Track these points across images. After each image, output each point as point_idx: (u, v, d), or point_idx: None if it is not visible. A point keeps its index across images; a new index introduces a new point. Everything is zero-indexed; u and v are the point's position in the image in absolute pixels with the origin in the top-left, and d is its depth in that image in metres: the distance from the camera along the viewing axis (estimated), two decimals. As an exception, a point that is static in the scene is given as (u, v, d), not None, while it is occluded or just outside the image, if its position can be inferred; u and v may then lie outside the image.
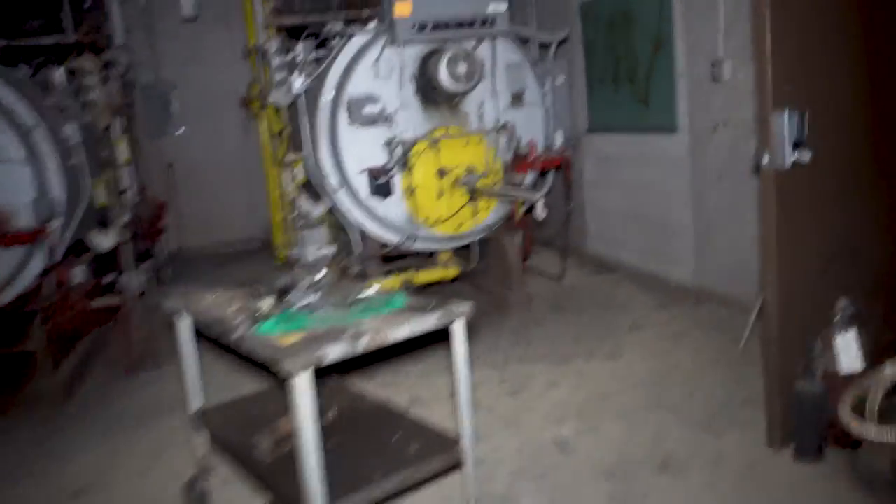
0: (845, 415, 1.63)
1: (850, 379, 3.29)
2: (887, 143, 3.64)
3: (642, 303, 6.00)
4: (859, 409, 1.49)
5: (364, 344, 2.52)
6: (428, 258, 6.03)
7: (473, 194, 5.17)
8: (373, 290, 3.11)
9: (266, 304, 2.99)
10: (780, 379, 3.39)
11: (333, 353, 2.45)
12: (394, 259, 5.92)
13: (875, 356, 3.32)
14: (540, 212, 4.74)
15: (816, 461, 3.35)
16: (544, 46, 5.98)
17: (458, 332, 2.78)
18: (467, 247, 5.85)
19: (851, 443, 3.39)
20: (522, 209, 5.47)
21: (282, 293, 3.11)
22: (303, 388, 2.37)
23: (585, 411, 4.13)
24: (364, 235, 5.65)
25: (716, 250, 5.66)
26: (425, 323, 2.69)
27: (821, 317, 3.36)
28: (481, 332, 5.52)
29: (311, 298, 3.03)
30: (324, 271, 3.43)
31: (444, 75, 4.92)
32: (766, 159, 3.21)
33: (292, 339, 2.60)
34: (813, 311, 3.38)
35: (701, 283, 5.89)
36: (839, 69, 3.40)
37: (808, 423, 3.35)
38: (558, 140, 5.54)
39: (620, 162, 6.78)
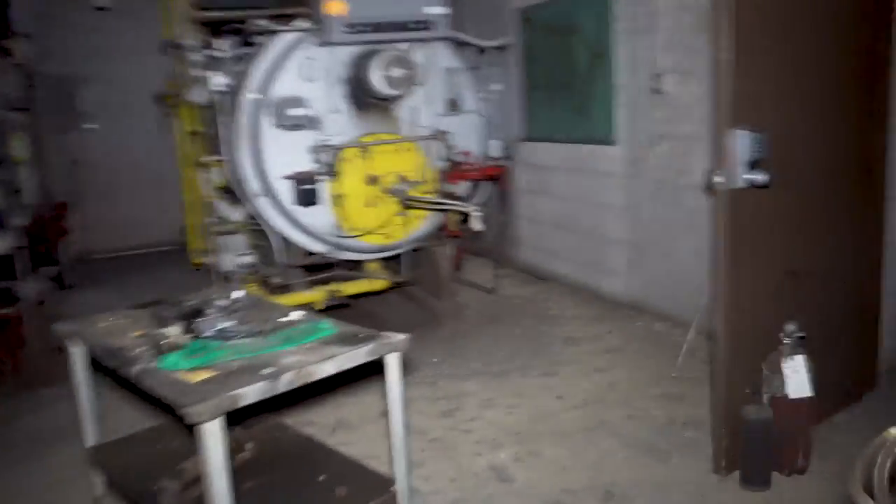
0: (858, 494, 1.45)
1: (799, 403, 3.18)
2: (841, 168, 3.56)
3: (577, 315, 5.86)
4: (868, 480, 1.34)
5: (286, 383, 2.22)
6: (355, 268, 5.72)
7: (404, 204, 4.89)
8: (296, 314, 2.80)
9: (172, 330, 2.64)
10: (726, 404, 3.25)
11: (250, 394, 2.14)
12: (319, 269, 5.59)
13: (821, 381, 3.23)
14: (477, 224, 4.50)
15: (764, 489, 3.23)
16: (481, 52, 5.76)
17: (393, 366, 2.51)
18: (397, 257, 5.58)
19: (798, 470, 3.30)
20: (456, 220, 5.22)
21: (191, 317, 2.76)
22: (213, 435, 2.05)
23: (524, 434, 3.92)
24: (287, 244, 5.30)
25: (650, 264, 5.56)
26: (355, 357, 2.41)
27: (769, 341, 3.24)
28: (411, 344, 5.25)
29: (225, 324, 2.69)
30: (240, 292, 3.10)
31: (377, 78, 4.64)
32: (719, 178, 3.05)
33: (202, 375, 2.27)
34: (761, 336, 3.25)
35: (634, 296, 5.79)
36: (798, 91, 3.29)
37: (756, 449, 3.23)
38: (495, 149, 5.33)
39: (556, 172, 6.64)
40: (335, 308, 5.43)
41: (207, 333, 2.64)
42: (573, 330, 5.50)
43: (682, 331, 5.12)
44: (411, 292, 6.23)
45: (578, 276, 6.51)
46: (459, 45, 5.44)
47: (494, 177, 5.33)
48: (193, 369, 2.33)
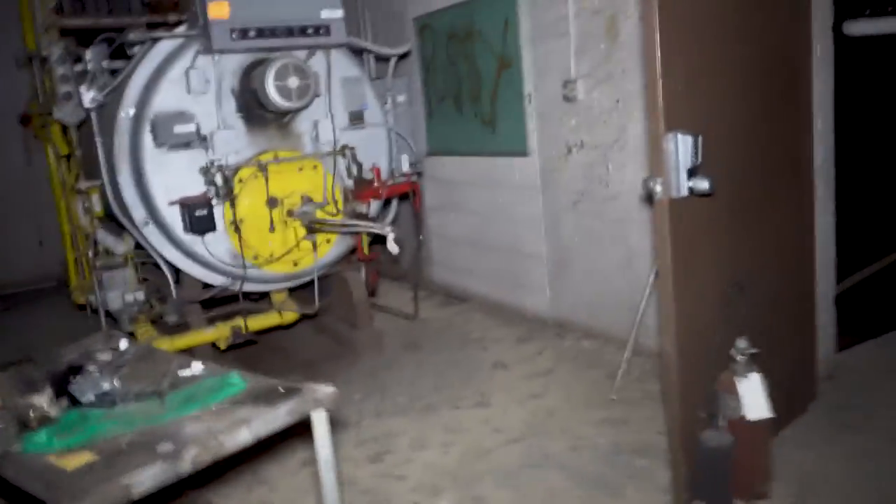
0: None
1: (757, 425, 2.97)
2: (774, 172, 3.41)
3: (501, 337, 5.56)
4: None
5: (190, 461, 1.76)
6: (261, 300, 5.21)
7: (311, 227, 4.45)
8: (198, 367, 2.33)
9: (41, 398, 2.12)
10: (682, 430, 2.99)
11: (143, 481, 1.67)
12: (219, 303, 5.04)
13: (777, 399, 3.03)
14: (393, 246, 4.12)
15: (726, 519, 2.99)
16: (383, 61, 5.40)
17: (321, 424, 2.09)
18: (308, 285, 5.11)
19: (760, 495, 3.08)
20: (368, 243, 4.82)
21: (66, 378, 2.25)
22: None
23: (462, 476, 3.55)
24: (181, 277, 4.74)
25: (573, 280, 5.34)
26: (274, 419, 1.98)
27: (720, 359, 3.01)
28: (328, 380, 4.82)
29: (109, 385, 2.19)
30: (126, 341, 2.59)
31: (272, 90, 4.19)
32: (658, 187, 2.80)
33: (80, 458, 1.78)
34: (714, 354, 3.03)
35: (559, 313, 5.55)
36: (732, 93, 3.11)
37: (717, 478, 2.99)
38: (404, 164, 4.97)
39: (465, 186, 6.35)
40: (241, 346, 4.91)
41: (87, 399, 2.15)
42: (500, 353, 5.19)
43: (613, 348, 4.92)
44: (325, 323, 5.77)
45: (499, 294, 6.23)
46: (359, 53, 5.06)
47: (405, 194, 4.96)
48: (68, 451, 1.83)
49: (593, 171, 4.95)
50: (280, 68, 4.18)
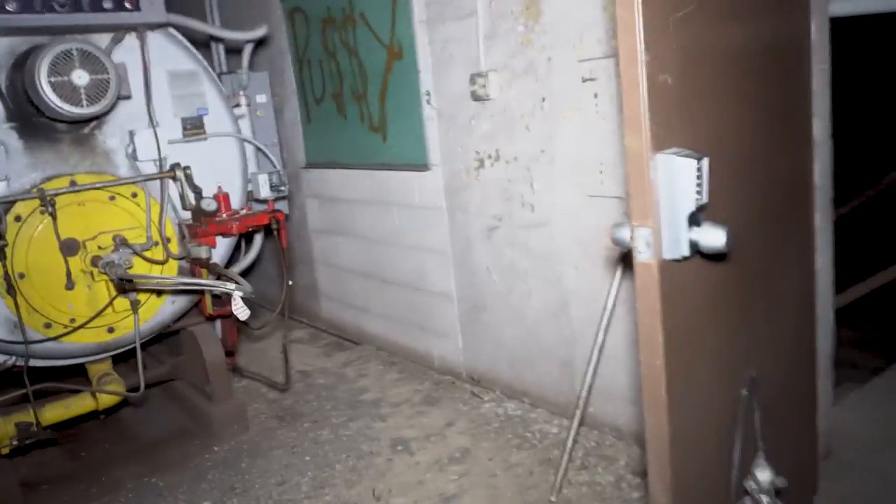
0: None
1: None
2: (785, 211, 2.38)
3: (403, 398, 4.38)
4: None
5: None
6: (72, 373, 3.82)
7: (120, 286, 3.13)
8: None
9: None
10: None
11: None
12: (12, 378, 3.63)
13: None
14: (240, 310, 2.87)
15: None
16: (236, 53, 4.10)
17: None
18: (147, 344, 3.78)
19: None
20: (211, 300, 3.53)
21: None
22: None
23: None
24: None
25: (491, 325, 4.22)
26: None
27: (726, 489, 1.94)
28: (174, 474, 3.55)
29: None
30: None
31: (46, 89, 2.86)
32: (642, 242, 1.70)
33: None
34: (719, 484, 1.95)
35: (474, 365, 4.42)
36: (738, 94, 2.04)
37: None
38: (263, 187, 3.69)
39: (355, 205, 5.13)
40: (35, 446, 3.52)
41: None
42: (401, 424, 4.01)
43: (545, 414, 3.85)
44: (178, 388, 4.44)
45: (400, 337, 5.05)
46: (204, 43, 3.76)
47: (269, 226, 3.69)
48: None
49: (513, 189, 3.84)
50: (58, 57, 2.85)
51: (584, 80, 3.29)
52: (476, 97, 3.87)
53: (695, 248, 1.72)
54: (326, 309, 5.84)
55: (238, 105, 3.87)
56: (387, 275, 5.01)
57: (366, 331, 5.38)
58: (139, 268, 3.34)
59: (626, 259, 2.78)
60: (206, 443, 4.05)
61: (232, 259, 3.86)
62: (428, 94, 4.22)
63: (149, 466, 3.85)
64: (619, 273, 3.04)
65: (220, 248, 3.67)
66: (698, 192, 1.70)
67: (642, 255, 1.71)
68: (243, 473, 3.69)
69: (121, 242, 3.23)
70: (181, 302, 3.69)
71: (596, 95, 3.27)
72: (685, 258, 1.72)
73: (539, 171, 3.66)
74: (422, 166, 4.40)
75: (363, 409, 4.30)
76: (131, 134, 3.35)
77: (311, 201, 5.64)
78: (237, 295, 2.86)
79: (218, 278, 3.23)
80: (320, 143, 5.36)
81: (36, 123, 3.13)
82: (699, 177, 1.69)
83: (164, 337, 4.13)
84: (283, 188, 3.69)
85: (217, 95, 3.65)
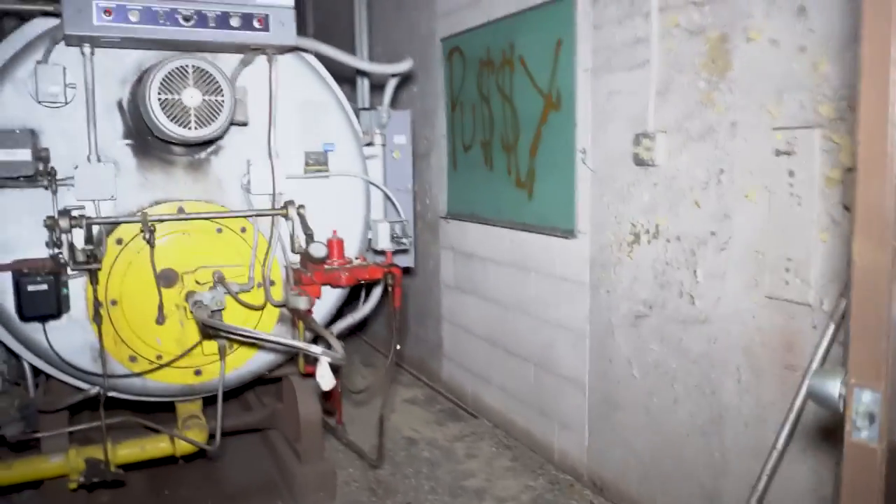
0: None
1: None
2: None
3: (510, 491, 3.81)
4: None
5: None
6: (160, 406, 3.58)
7: (204, 330, 2.81)
8: None
9: None
10: None
11: None
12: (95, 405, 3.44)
13: None
14: (324, 378, 2.46)
15: None
16: (378, 88, 3.79)
17: None
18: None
19: None
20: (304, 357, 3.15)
21: None
22: None
23: None
24: (41, 373, 3.18)
25: (624, 428, 3.56)
26: None
27: None
28: None
29: None
30: None
31: (154, 106, 2.63)
32: (863, 414, 1.07)
33: None
34: None
35: (599, 468, 3.76)
36: None
37: None
38: (384, 236, 3.30)
39: (489, 265, 4.66)
40: (102, 486, 3.27)
41: None
42: (499, 532, 3.44)
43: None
44: (273, 437, 4.13)
45: (517, 417, 4.48)
46: (338, 73, 3.47)
47: (377, 281, 3.28)
48: None
49: (671, 274, 3.20)
50: (171, 73, 2.62)
51: (778, 154, 2.64)
52: (639, 161, 3.30)
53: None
54: (447, 371, 5.38)
55: (370, 144, 3.53)
56: (513, 345, 4.47)
57: (484, 402, 4.85)
58: (234, 310, 3.04)
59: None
60: (289, 505, 3.68)
61: (342, 312, 3.49)
62: (584, 151, 3.69)
63: (224, 523, 3.53)
64: (798, 402, 2.34)
65: (329, 300, 3.31)
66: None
67: (861, 434, 1.08)
68: (317, 554, 3.26)
69: (219, 280, 2.94)
70: (272, 355, 3.35)
71: (791, 174, 2.60)
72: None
73: (706, 257, 3.01)
74: (567, 232, 3.85)
75: (464, 498, 3.76)
76: (248, 164, 3.08)
77: (446, 253, 5.25)
78: (324, 360, 2.44)
79: (315, 339, 2.85)
80: (463, 193, 4.97)
81: (151, 143, 2.93)
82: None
83: (268, 381, 3.84)
84: (405, 240, 3.29)
85: (348, 131, 3.33)
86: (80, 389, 3.16)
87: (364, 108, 3.75)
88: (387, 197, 3.51)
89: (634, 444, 3.50)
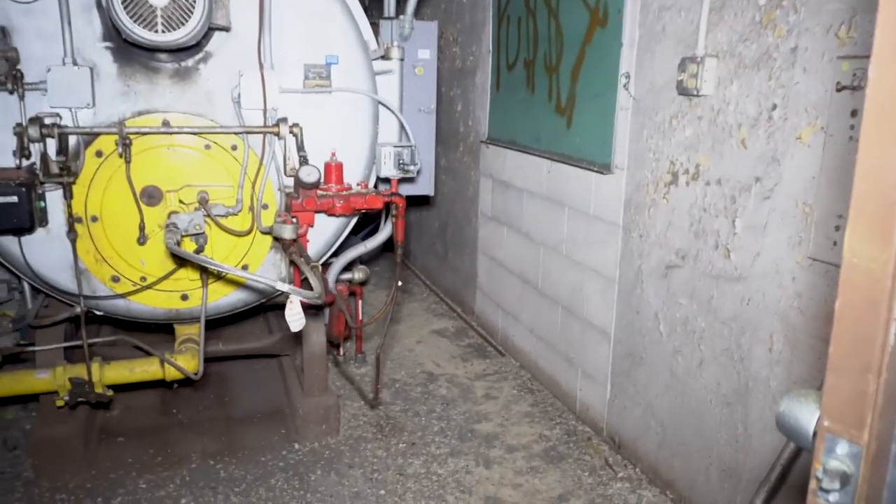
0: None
1: None
2: None
3: (523, 439, 3.60)
4: None
5: None
6: (158, 331, 3.48)
7: (174, 253, 2.61)
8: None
9: None
10: None
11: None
12: (105, 322, 3.36)
13: None
14: (293, 318, 2.24)
15: None
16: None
17: None
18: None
19: None
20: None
21: None
22: None
23: None
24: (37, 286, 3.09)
25: (647, 387, 3.25)
26: None
27: None
28: (242, 464, 3.14)
29: None
30: None
31: (117, 6, 2.36)
32: (832, 472, 0.74)
33: None
34: None
35: (618, 426, 3.49)
36: None
37: None
38: (386, 162, 3.00)
39: (525, 196, 4.32)
40: (87, 405, 3.22)
41: None
42: (506, 479, 3.24)
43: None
44: (286, 367, 4.02)
45: (542, 361, 4.22)
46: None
47: (379, 212, 3.01)
48: None
49: (708, 223, 2.81)
50: (134, -33, 2.33)
51: (841, 88, 2.18)
52: (683, 90, 2.86)
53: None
54: (480, 304, 5.13)
55: (387, 58, 3.18)
56: (543, 285, 4.17)
57: (513, 341, 4.60)
58: (224, 234, 2.84)
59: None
60: (289, 436, 3.57)
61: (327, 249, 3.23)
62: (627, 76, 3.26)
63: (223, 445, 3.45)
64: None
65: (327, 229, 3.06)
66: None
67: (828, 497, 0.76)
68: (308, 489, 3.14)
69: (201, 201, 2.73)
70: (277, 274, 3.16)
71: (854, 113, 2.15)
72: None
73: (747, 206, 2.60)
74: (604, 167, 3.47)
75: (473, 443, 3.57)
76: (239, 74, 2.80)
77: (485, 181, 4.91)
78: (296, 299, 2.22)
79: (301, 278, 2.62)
80: (504, 117, 4.58)
81: (135, 49, 2.68)
82: None
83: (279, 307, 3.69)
84: (411, 167, 2.98)
85: (355, 42, 2.99)
86: (71, 306, 3.06)
87: (386, 18, 3.39)
88: (396, 117, 3.18)
89: (656, 405, 3.19)
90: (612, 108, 3.36)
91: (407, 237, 6.46)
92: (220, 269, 2.41)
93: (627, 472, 3.32)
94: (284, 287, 2.20)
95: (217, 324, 3.61)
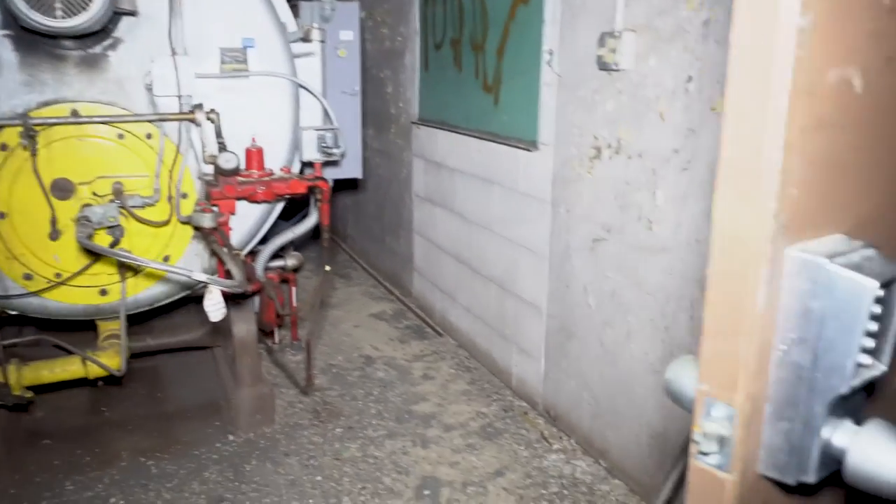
0: None
1: None
2: None
3: (461, 417, 3.62)
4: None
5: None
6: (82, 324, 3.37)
7: (86, 247, 2.53)
8: None
9: None
10: None
11: None
12: (28, 323, 3.24)
13: None
14: (212, 308, 2.19)
15: None
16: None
17: None
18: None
19: None
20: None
21: None
22: None
23: None
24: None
25: (579, 357, 3.30)
26: None
27: None
28: (174, 459, 3.07)
29: None
30: None
31: (9, -12, 2.24)
32: (712, 436, 0.76)
33: None
34: None
35: (554, 398, 3.54)
36: None
37: None
38: (308, 146, 2.94)
39: (457, 176, 4.32)
40: (9, 408, 3.11)
41: None
42: (443, 457, 3.26)
43: (620, 489, 2.95)
44: (218, 358, 3.94)
45: (479, 339, 4.25)
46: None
47: (304, 197, 2.96)
48: None
49: (631, 195, 2.85)
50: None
51: (748, 59, 2.23)
52: (603, 65, 2.89)
53: (832, 468, 0.76)
54: (418, 286, 5.13)
55: (307, 40, 3.12)
56: (477, 264, 4.18)
57: (450, 321, 4.62)
58: (138, 228, 2.75)
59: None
60: (224, 428, 3.51)
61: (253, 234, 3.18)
62: (550, 52, 3.27)
63: (155, 442, 3.37)
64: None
65: (250, 217, 3.00)
66: (870, 352, 0.74)
67: (707, 459, 0.78)
68: (243, 480, 3.10)
69: (116, 192, 2.64)
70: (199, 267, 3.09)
71: (761, 83, 2.20)
72: (805, 486, 0.77)
73: (667, 178, 2.65)
74: (530, 144, 3.49)
75: (411, 424, 3.57)
76: (150, 62, 2.71)
77: (418, 162, 4.89)
78: (215, 289, 2.17)
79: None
80: (434, 97, 4.56)
81: (33, 38, 2.56)
82: (880, 317, 0.73)
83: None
84: (335, 150, 2.94)
85: (270, 24, 2.92)
86: None
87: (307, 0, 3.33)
88: (318, 100, 3.13)
89: (588, 377, 3.25)
90: (537, 85, 3.38)
91: (345, 221, 6.40)
92: (133, 262, 2.34)
93: (563, 443, 3.38)
94: (202, 277, 2.15)
95: (146, 317, 3.52)
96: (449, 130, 4.36)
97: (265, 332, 3.70)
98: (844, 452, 0.73)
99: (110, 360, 2.95)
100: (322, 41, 3.19)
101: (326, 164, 3.05)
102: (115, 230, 2.62)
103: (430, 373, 4.14)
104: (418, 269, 5.10)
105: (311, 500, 2.96)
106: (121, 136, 2.72)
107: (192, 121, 2.71)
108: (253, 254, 3.33)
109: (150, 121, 2.70)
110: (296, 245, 3.76)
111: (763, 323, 0.73)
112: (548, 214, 3.43)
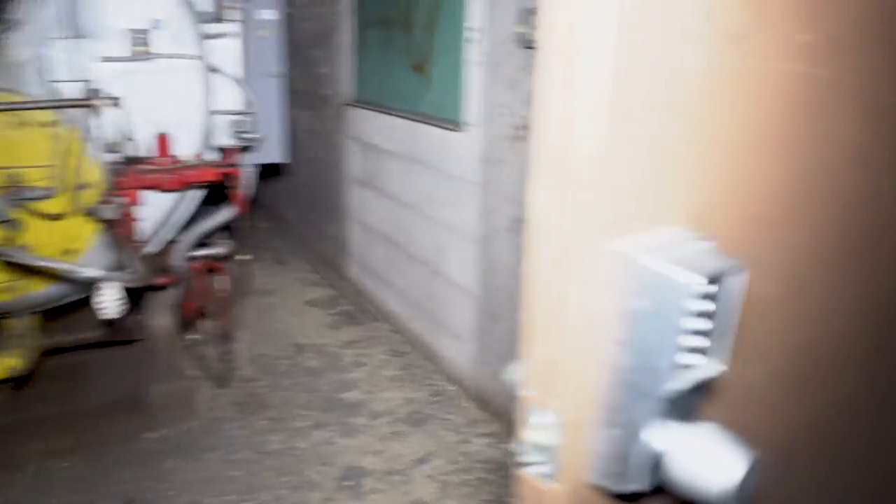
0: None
1: None
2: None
3: (389, 404, 3.59)
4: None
5: None
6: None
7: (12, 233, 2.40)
8: None
9: None
10: None
11: None
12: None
13: None
14: (105, 306, 2.09)
15: None
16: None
17: None
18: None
19: None
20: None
21: None
22: None
23: None
24: None
25: (507, 341, 3.28)
26: None
27: None
28: (88, 461, 2.96)
29: None
30: None
31: None
32: (534, 443, 0.72)
33: None
34: None
35: (485, 382, 3.52)
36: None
37: None
38: (219, 131, 2.84)
39: (389, 158, 4.25)
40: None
41: None
42: (368, 446, 3.23)
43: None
44: (139, 352, 3.81)
45: (413, 324, 4.20)
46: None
47: (215, 185, 2.86)
48: None
49: (549, 179, 2.81)
50: None
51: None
52: (525, 43, 2.84)
53: (658, 477, 0.73)
54: (353, 271, 5.05)
55: (222, 20, 3.00)
56: (410, 248, 4.13)
57: (385, 306, 4.56)
58: (40, 221, 2.62)
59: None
60: (143, 424, 3.39)
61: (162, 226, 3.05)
62: (476, 31, 3.21)
63: (67, 443, 3.24)
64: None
65: (160, 207, 2.88)
66: (702, 352, 0.70)
67: (533, 468, 0.74)
68: (159, 478, 3.00)
69: (11, 184, 2.50)
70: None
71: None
72: (639, 494, 0.74)
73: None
74: (458, 124, 3.43)
75: (337, 413, 3.51)
76: (49, 44, 2.57)
77: (352, 145, 4.79)
78: (104, 288, 2.07)
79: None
80: (367, 77, 4.46)
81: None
82: (712, 315, 0.69)
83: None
84: (250, 135, 2.84)
85: (179, 4, 2.80)
86: None
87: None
88: (235, 83, 3.02)
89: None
90: (464, 65, 3.31)
91: (282, 206, 6.26)
92: (21, 260, 2.22)
93: (491, 427, 3.36)
94: (93, 272, 2.05)
95: (60, 312, 3.38)
96: (382, 112, 4.27)
97: (187, 325, 3.59)
98: (668, 463, 0.70)
99: (13, 359, 2.82)
100: (239, 21, 3.07)
101: (246, 148, 2.95)
102: (11, 224, 2.49)
103: (361, 359, 4.09)
104: (353, 254, 5.02)
105: (229, 497, 2.89)
106: (20, 125, 2.58)
107: (92, 107, 2.58)
108: (172, 243, 3.22)
109: (44, 108, 2.56)
110: (243, 233, 3.63)
111: (583, 324, 0.69)
112: (477, 196, 3.38)
